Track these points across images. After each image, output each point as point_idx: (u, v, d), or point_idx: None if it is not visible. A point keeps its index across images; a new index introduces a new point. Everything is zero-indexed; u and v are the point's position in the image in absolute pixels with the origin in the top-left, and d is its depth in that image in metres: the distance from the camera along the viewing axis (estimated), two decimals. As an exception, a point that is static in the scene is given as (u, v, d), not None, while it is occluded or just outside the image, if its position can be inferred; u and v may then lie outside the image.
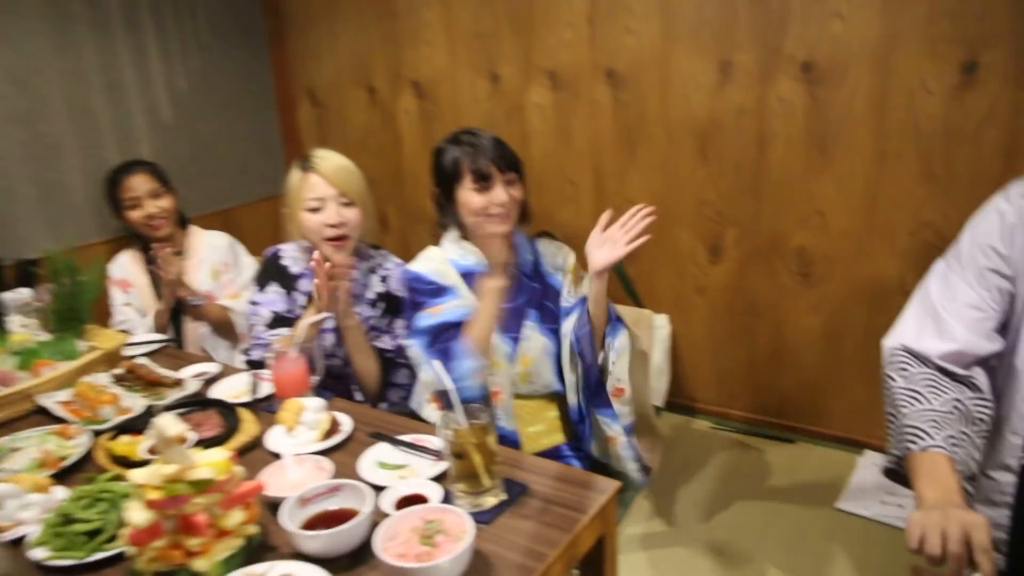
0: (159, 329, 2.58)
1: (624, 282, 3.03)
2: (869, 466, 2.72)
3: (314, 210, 1.98)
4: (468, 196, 1.83)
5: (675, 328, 3.12)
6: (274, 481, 1.33)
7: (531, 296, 1.93)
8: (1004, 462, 1.17)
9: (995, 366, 1.18)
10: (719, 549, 2.34)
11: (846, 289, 2.74)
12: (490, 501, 1.29)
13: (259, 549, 1.17)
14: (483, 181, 1.82)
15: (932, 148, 2.45)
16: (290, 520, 1.16)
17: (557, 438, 1.97)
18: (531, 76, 3.19)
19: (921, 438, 1.03)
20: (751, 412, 3.11)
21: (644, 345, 2.56)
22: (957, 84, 2.36)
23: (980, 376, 1.12)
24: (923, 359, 1.14)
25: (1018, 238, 1.10)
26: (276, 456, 1.45)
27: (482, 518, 1.24)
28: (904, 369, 1.13)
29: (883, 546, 2.33)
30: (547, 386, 1.94)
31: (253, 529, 1.15)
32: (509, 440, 1.85)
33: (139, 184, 2.63)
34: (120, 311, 2.68)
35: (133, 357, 2.01)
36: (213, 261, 2.72)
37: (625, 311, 2.48)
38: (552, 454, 1.91)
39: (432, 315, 1.83)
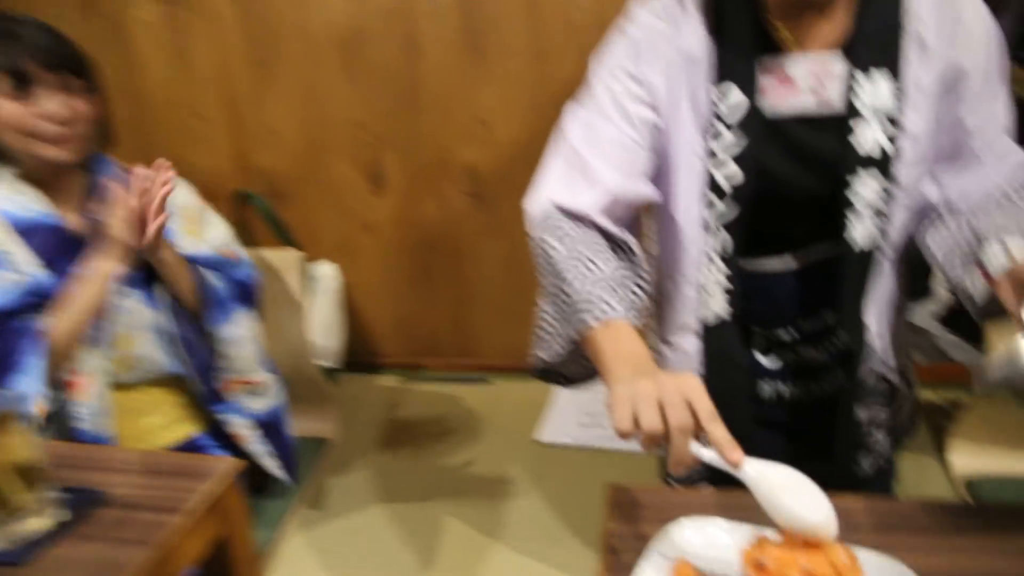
0: None
1: (272, 221, 2.73)
2: (566, 392, 2.70)
3: None
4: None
5: (345, 277, 2.87)
6: None
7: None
8: (683, 322, 1.07)
9: (646, 232, 1.10)
10: (412, 514, 2.19)
11: (521, 205, 2.63)
12: (36, 527, 0.91)
13: None
14: (22, 86, 1.36)
15: (589, 42, 2.39)
16: None
17: (187, 429, 1.62)
18: (130, -14, 2.67)
19: (602, 309, 0.87)
20: (441, 358, 2.98)
21: (302, 296, 2.27)
22: (604, -29, 2.32)
23: (633, 242, 1.00)
24: (581, 218, 0.99)
25: (649, 56, 0.99)
26: None
27: (9, 558, 0.86)
28: (562, 232, 0.97)
29: (584, 470, 2.33)
30: (161, 370, 1.56)
31: None
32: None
33: None
34: None
35: None
36: None
37: (274, 256, 2.16)
38: (185, 450, 1.56)
39: None
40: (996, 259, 0.86)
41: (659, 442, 0.73)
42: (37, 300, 1.37)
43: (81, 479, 1.01)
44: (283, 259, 2.09)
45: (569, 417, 2.57)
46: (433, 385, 2.89)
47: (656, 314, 1.09)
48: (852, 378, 1.03)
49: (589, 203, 0.98)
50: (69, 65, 1.41)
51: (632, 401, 0.73)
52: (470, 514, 2.17)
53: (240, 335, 1.59)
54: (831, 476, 0.91)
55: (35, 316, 1.36)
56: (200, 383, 1.58)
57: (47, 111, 1.37)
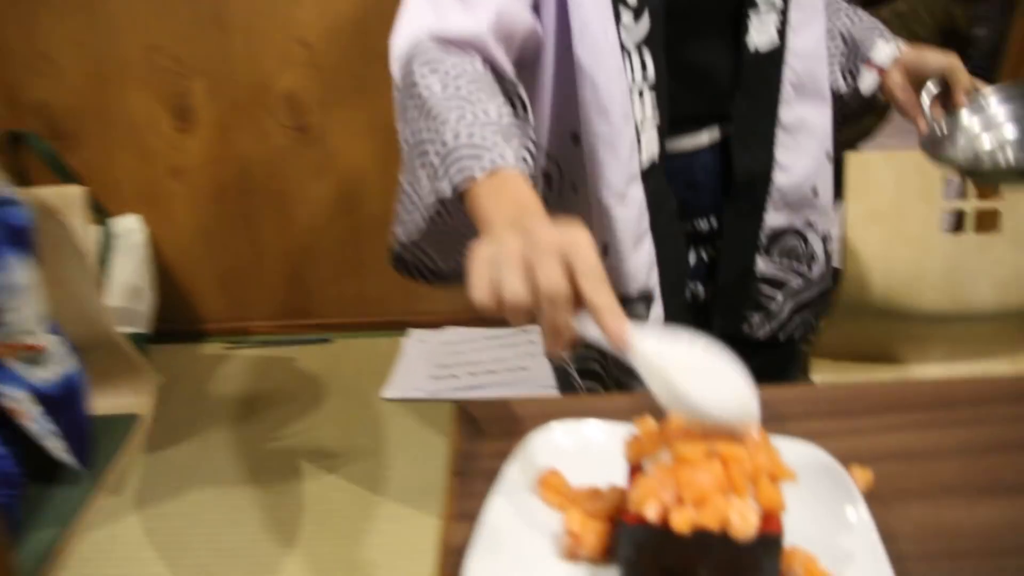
0: None
1: (56, 168, 2.48)
2: (415, 344, 2.62)
3: None
4: None
5: (153, 230, 2.62)
6: None
7: None
8: (630, 168, 0.92)
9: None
10: (242, 493, 2.04)
11: (352, 137, 2.51)
12: None
13: None
14: None
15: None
16: None
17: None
18: None
19: (491, 158, 0.68)
20: (274, 319, 2.78)
21: (89, 242, 1.99)
22: None
23: (525, 96, 0.84)
24: (465, 45, 0.81)
25: None
26: None
27: None
28: (441, 67, 0.77)
29: (439, 423, 2.24)
30: None
31: None
32: None
33: None
34: None
35: None
36: None
37: (50, 194, 1.87)
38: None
39: None
40: (884, 52, 0.99)
41: (528, 315, 0.57)
42: None
43: None
44: (61, 197, 1.79)
45: (419, 370, 2.47)
46: (265, 350, 2.69)
47: (598, 170, 0.94)
48: (756, 215, 0.98)
49: (475, 23, 0.80)
50: None
51: (494, 263, 0.57)
52: (312, 486, 2.04)
53: (17, 283, 1.42)
54: (714, 328, 0.94)
55: None
56: None
57: None
